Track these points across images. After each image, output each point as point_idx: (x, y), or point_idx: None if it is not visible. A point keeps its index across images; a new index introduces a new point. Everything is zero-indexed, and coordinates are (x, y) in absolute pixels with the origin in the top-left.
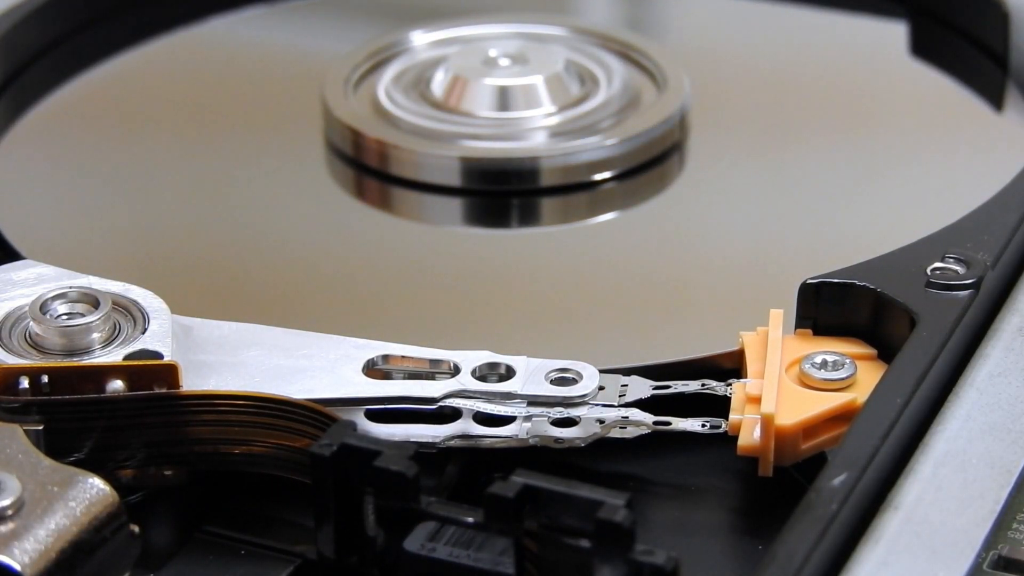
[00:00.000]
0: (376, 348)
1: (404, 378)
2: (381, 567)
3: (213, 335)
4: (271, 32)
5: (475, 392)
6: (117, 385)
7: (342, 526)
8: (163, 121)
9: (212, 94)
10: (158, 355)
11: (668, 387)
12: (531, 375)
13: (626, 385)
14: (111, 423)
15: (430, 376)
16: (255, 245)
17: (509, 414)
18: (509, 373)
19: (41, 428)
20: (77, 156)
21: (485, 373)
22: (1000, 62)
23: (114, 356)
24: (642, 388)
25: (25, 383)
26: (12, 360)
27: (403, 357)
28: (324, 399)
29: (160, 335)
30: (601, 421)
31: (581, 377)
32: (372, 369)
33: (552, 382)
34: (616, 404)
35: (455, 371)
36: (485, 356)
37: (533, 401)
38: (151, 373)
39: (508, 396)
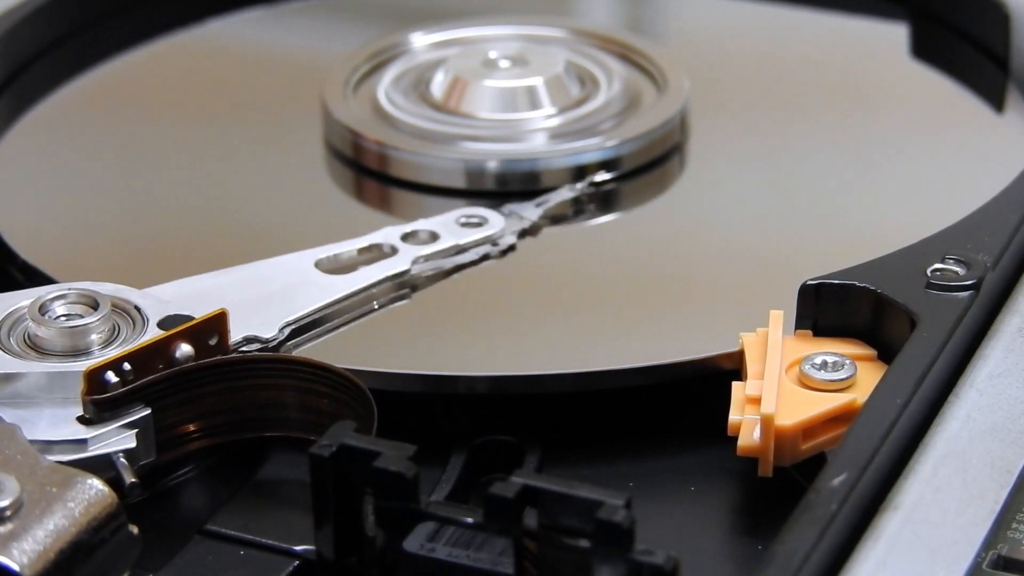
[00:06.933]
0: (316, 253)
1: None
2: (381, 567)
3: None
4: (271, 33)
5: (430, 253)
6: (186, 349)
7: (341, 526)
8: (163, 122)
9: (212, 95)
10: (189, 317)
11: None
12: (449, 229)
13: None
14: (202, 391)
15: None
16: (255, 246)
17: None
18: (434, 236)
19: (149, 412)
20: (77, 156)
21: (424, 239)
22: (1001, 63)
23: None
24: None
25: (112, 376)
26: (12, 359)
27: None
28: (325, 304)
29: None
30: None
31: (487, 220)
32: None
33: (464, 226)
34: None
35: (392, 250)
36: (409, 227)
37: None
38: (208, 326)
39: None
